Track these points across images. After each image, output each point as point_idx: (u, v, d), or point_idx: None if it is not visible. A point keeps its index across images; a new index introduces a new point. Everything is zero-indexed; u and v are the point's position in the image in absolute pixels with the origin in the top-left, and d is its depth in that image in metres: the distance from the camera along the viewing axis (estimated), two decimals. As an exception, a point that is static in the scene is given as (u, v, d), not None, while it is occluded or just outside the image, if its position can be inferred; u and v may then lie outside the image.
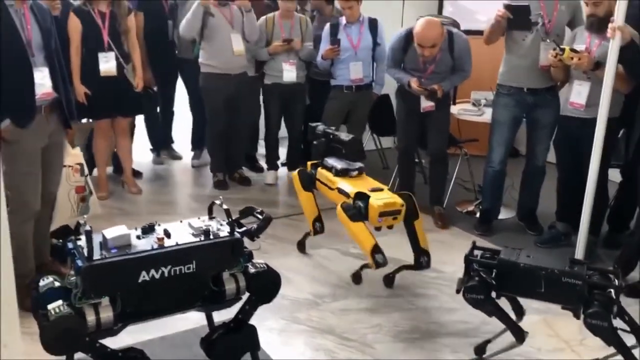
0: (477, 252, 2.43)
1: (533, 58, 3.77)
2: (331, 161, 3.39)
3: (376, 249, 2.97)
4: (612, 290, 2.19)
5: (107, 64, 4.22)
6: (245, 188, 4.93)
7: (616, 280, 2.23)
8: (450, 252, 3.73)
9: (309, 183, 3.50)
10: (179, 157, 5.58)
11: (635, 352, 2.22)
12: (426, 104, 4.09)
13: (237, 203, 4.62)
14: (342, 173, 3.28)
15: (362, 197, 3.03)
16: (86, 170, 3.55)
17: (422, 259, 3.07)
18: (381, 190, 3.08)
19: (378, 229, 3.11)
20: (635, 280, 3.32)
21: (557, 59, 3.44)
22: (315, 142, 3.59)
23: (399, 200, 3.00)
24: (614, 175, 3.77)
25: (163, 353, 2.62)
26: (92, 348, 1.97)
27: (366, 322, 2.96)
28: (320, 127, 3.61)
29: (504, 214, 4.37)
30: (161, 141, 5.50)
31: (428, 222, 4.24)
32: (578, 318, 2.23)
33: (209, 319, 2.47)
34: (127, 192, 4.66)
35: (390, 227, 3.12)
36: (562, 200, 3.90)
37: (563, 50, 3.40)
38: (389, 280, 3.32)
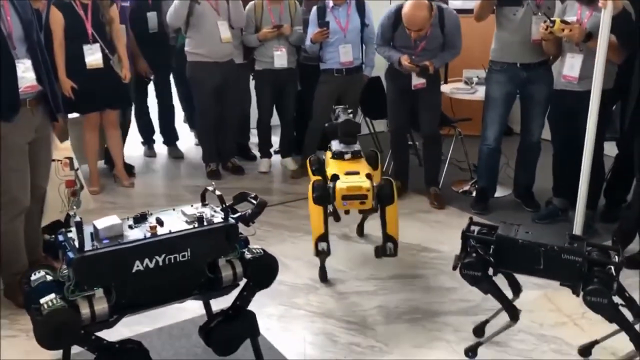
0: (474, 228, 2.37)
1: (525, 33, 3.73)
2: (334, 144, 3.34)
3: (322, 238, 2.93)
4: (612, 267, 2.14)
5: (93, 56, 4.15)
6: (239, 177, 4.88)
7: (616, 257, 2.19)
8: (447, 232, 3.72)
9: (318, 166, 3.40)
10: (181, 157, 5.37)
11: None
12: (417, 81, 4.04)
13: (230, 192, 4.54)
14: (337, 156, 3.24)
15: (336, 179, 2.99)
16: (76, 164, 3.50)
17: (387, 246, 2.95)
18: (357, 174, 3.00)
19: (347, 212, 3.07)
20: (635, 252, 3.31)
21: (547, 31, 3.40)
22: (326, 125, 3.55)
23: (365, 185, 2.90)
24: (609, 148, 3.74)
25: (161, 344, 2.59)
26: (87, 341, 1.93)
27: (366, 305, 2.94)
28: (338, 109, 3.54)
29: (500, 192, 4.35)
30: (150, 134, 5.39)
31: (424, 203, 4.22)
32: (577, 295, 2.19)
33: (207, 307, 2.44)
34: (119, 186, 4.61)
35: (361, 212, 3.05)
36: (558, 175, 3.88)
37: (554, 22, 3.36)
38: (377, 252, 3.17)
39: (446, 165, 4.68)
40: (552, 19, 3.41)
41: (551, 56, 3.81)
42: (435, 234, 3.73)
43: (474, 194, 4.31)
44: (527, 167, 4.12)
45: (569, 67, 3.51)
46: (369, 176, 3.02)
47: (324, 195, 2.96)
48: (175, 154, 5.39)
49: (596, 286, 2.09)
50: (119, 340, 2.05)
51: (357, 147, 3.28)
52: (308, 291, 3.08)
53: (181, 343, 2.61)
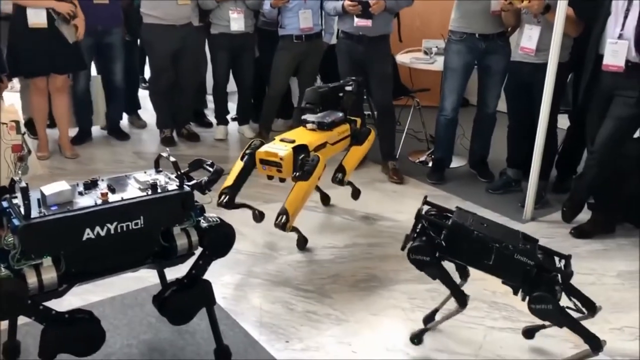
0: (427, 208, 2.29)
1: (484, 3, 3.73)
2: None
3: (225, 189, 3.01)
4: (558, 275, 2.13)
5: (36, 15, 3.90)
6: (194, 144, 4.79)
7: (563, 264, 2.17)
8: (404, 201, 3.75)
9: None
10: (143, 126, 5.17)
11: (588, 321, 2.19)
12: (359, 21, 3.94)
13: (186, 159, 4.44)
14: (302, 123, 3.27)
15: None
16: (23, 128, 3.35)
17: (279, 217, 2.89)
18: (292, 142, 3.00)
19: (270, 177, 3.08)
20: (583, 222, 3.42)
21: (507, 2, 3.41)
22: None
23: (281, 153, 2.92)
24: (561, 121, 3.81)
25: (114, 313, 2.54)
26: (35, 311, 1.85)
27: (323, 273, 2.95)
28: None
29: (455, 163, 4.40)
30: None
31: (382, 173, 4.23)
32: (523, 299, 2.15)
33: (161, 276, 2.38)
34: (62, 156, 4.42)
35: (282, 180, 3.08)
36: (512, 147, 3.94)
37: None
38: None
39: (404, 136, 4.70)
40: None
41: (509, 28, 3.83)
42: (392, 203, 3.76)
43: (430, 164, 4.35)
44: (482, 138, 4.17)
45: (527, 38, 3.53)
46: (301, 147, 2.99)
47: (250, 154, 3.02)
48: (138, 124, 5.18)
49: (540, 293, 2.05)
50: (69, 310, 1.99)
51: (328, 118, 3.24)
52: (266, 260, 3.06)
53: (134, 312, 2.56)
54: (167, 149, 2.16)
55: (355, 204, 3.58)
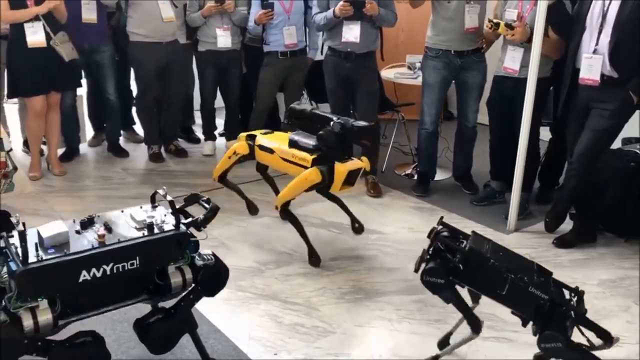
0: (440, 228, 2.23)
1: (459, 21, 3.81)
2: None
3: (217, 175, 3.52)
4: (571, 311, 2.08)
5: (35, 35, 3.91)
6: (182, 160, 4.81)
7: (574, 300, 2.12)
8: (390, 214, 3.79)
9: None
10: (140, 140, 5.11)
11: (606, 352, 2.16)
12: (348, 34, 3.98)
13: (174, 175, 4.55)
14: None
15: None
16: (8, 145, 3.36)
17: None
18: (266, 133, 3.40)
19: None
20: (566, 232, 3.48)
21: (492, 30, 3.51)
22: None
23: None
24: (543, 133, 3.89)
25: (103, 329, 2.53)
26: (34, 348, 1.86)
27: (310, 286, 2.98)
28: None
29: (440, 175, 4.45)
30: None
31: (363, 190, 4.24)
32: (534, 333, 2.11)
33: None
34: (51, 173, 4.40)
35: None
36: (495, 159, 4.01)
37: (498, 24, 3.46)
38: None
39: (389, 149, 4.76)
40: (495, 21, 3.50)
41: (485, 44, 3.92)
42: (378, 216, 3.80)
43: (415, 177, 4.41)
44: (464, 151, 4.23)
45: (510, 59, 3.61)
46: (251, 136, 3.37)
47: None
48: (135, 139, 5.19)
49: (549, 332, 2.01)
50: (69, 336, 1.96)
51: (297, 137, 3.22)
52: (253, 274, 3.09)
53: (123, 327, 2.57)
54: (164, 187, 2.16)
55: (342, 217, 3.62)
